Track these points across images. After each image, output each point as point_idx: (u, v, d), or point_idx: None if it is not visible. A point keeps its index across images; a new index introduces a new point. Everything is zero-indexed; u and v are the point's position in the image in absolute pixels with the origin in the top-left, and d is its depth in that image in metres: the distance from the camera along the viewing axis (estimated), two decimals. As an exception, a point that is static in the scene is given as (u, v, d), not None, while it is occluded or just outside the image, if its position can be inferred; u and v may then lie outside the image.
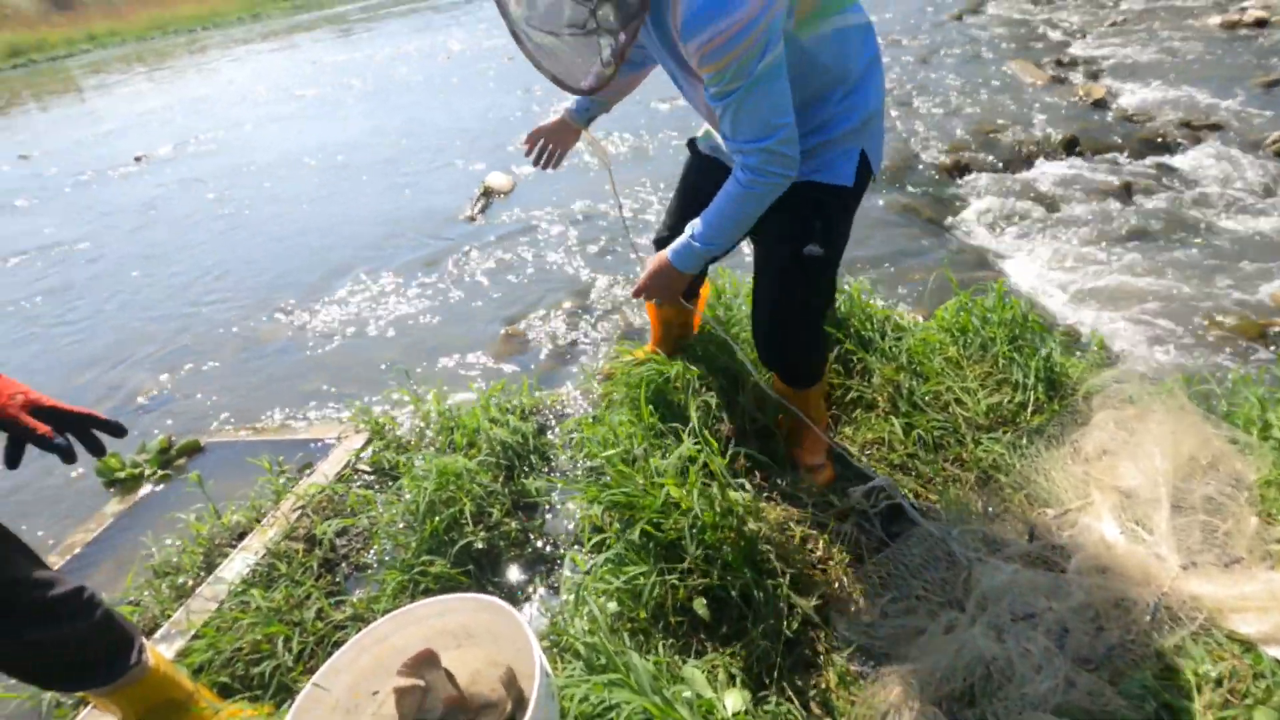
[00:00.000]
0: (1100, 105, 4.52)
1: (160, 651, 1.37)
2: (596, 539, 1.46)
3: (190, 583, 1.84)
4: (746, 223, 1.39)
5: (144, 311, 3.82)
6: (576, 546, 1.75)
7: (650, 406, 1.81)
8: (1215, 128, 3.97)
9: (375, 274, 3.74)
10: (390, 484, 2.11)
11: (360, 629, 1.53)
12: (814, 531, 1.62)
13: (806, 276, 1.54)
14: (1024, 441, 1.78)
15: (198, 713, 1.34)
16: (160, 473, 2.39)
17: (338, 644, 1.54)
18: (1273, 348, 2.34)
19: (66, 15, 31.37)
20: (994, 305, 2.11)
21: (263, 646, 1.54)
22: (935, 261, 3.02)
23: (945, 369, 2.02)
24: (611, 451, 1.62)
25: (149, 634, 1.67)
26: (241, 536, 1.97)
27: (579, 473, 2.02)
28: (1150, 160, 3.78)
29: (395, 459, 2.15)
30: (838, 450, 1.75)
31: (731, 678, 1.27)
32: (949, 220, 3.43)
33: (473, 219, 4.29)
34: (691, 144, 1.83)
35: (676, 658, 1.33)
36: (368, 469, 2.20)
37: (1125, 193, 3.45)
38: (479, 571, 1.71)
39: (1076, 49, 5.80)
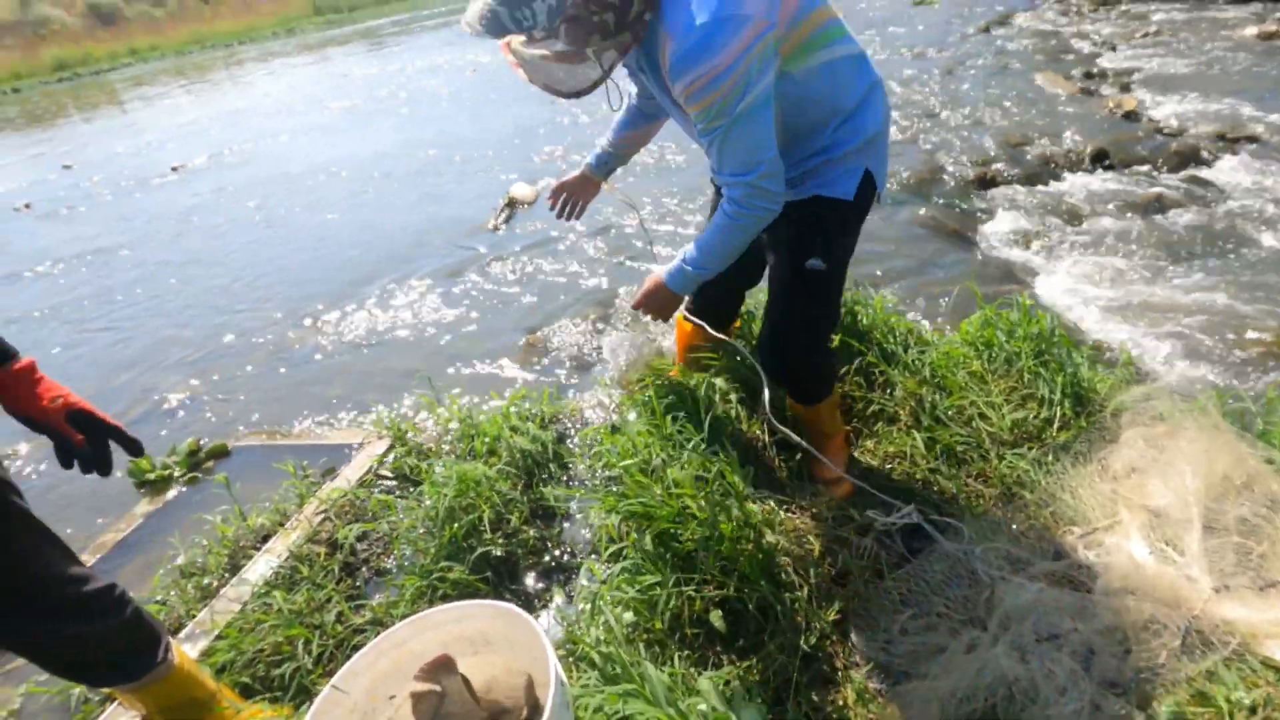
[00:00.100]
0: (1131, 117, 4.45)
1: (185, 650, 1.40)
2: (614, 549, 1.46)
3: (215, 583, 1.87)
4: (735, 251, 1.46)
5: (178, 317, 3.92)
6: (593, 556, 1.75)
7: (669, 417, 1.81)
8: (1251, 140, 3.89)
9: (400, 282, 3.80)
10: (411, 489, 2.13)
11: (379, 633, 1.55)
12: (833, 545, 1.60)
13: (808, 289, 1.57)
14: (1050, 458, 1.75)
15: (219, 712, 1.36)
16: (189, 475, 2.44)
17: (357, 647, 1.56)
18: (1311, 366, 2.27)
19: (110, 30, 32.47)
20: (1020, 319, 2.08)
21: (283, 648, 1.56)
22: (960, 275, 2.98)
23: (969, 383, 1.99)
24: (630, 461, 1.62)
25: (174, 633, 1.70)
26: (266, 539, 2.00)
27: (597, 482, 2.03)
28: (1183, 173, 3.71)
29: (417, 465, 2.17)
30: (856, 483, 1.73)
31: (747, 692, 1.26)
32: (974, 233, 3.39)
33: (496, 229, 4.34)
34: (713, 180, 1.86)
35: (692, 670, 1.32)
36: (389, 474, 2.22)
37: (1157, 206, 3.39)
38: (497, 579, 1.72)
39: (1107, 61, 5.73)
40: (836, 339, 2.15)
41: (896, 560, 1.60)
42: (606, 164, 1.90)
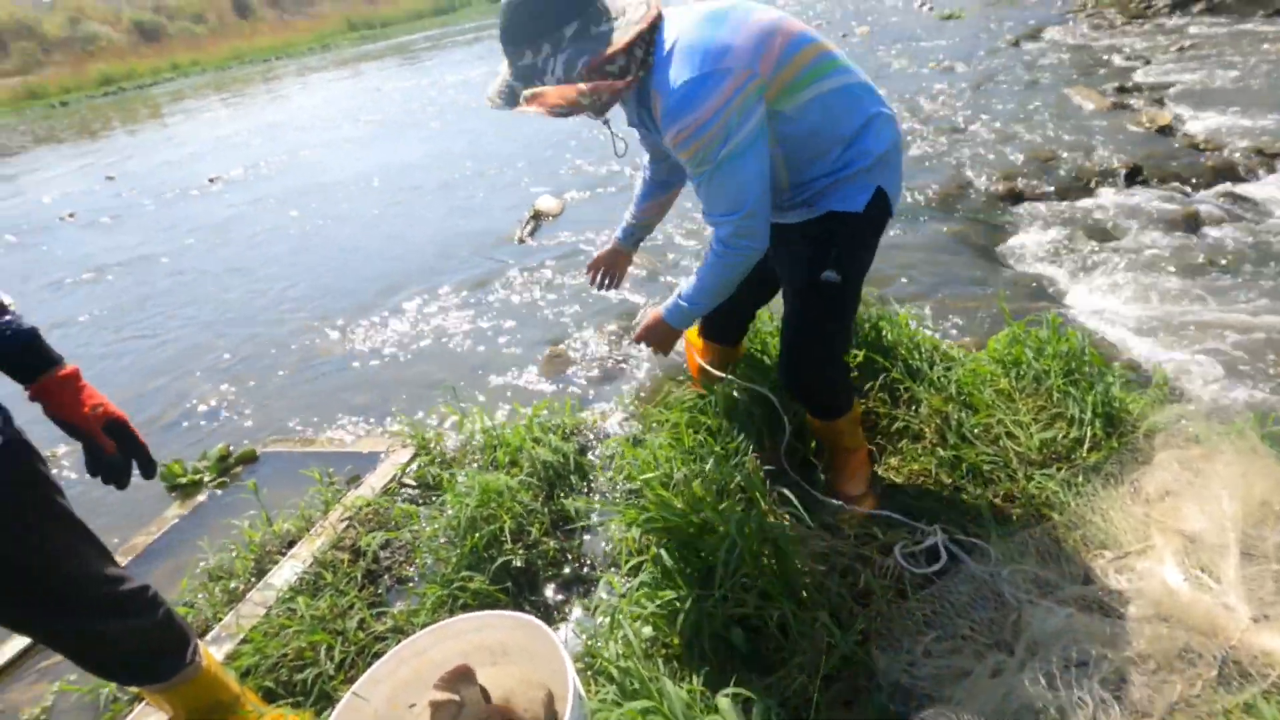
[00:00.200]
0: (1166, 132, 4.38)
1: (211, 653, 1.42)
2: (633, 562, 1.46)
3: (241, 587, 1.91)
4: (726, 288, 1.54)
5: (214, 324, 4.02)
6: (613, 569, 1.75)
7: (690, 431, 1.81)
8: (1292, 156, 3.79)
9: (427, 293, 3.85)
10: (434, 498, 2.15)
11: (400, 641, 1.56)
12: (855, 563, 1.58)
13: (823, 302, 1.59)
14: (1080, 479, 1.71)
15: (243, 715, 1.38)
16: (219, 480, 2.49)
17: (378, 655, 1.57)
18: (1356, 388, 2.20)
19: (154, 46, 33.59)
20: (1049, 337, 2.05)
21: (306, 654, 1.58)
22: (987, 291, 2.95)
23: (996, 401, 1.96)
24: (651, 475, 1.62)
25: (201, 635, 1.73)
26: (291, 544, 2.04)
27: (618, 494, 2.03)
28: (1219, 189, 3.63)
29: (440, 474, 2.19)
30: (873, 514, 1.73)
31: (767, 711, 1.25)
32: (1002, 248, 3.35)
33: (522, 241, 4.38)
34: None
35: (711, 687, 1.31)
36: (413, 483, 2.25)
37: (1192, 222, 3.32)
38: (516, 589, 1.73)
39: (1140, 75, 5.64)
40: (860, 354, 2.14)
41: (921, 580, 1.58)
42: (633, 235, 1.99)
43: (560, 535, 1.90)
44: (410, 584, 1.86)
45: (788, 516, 1.54)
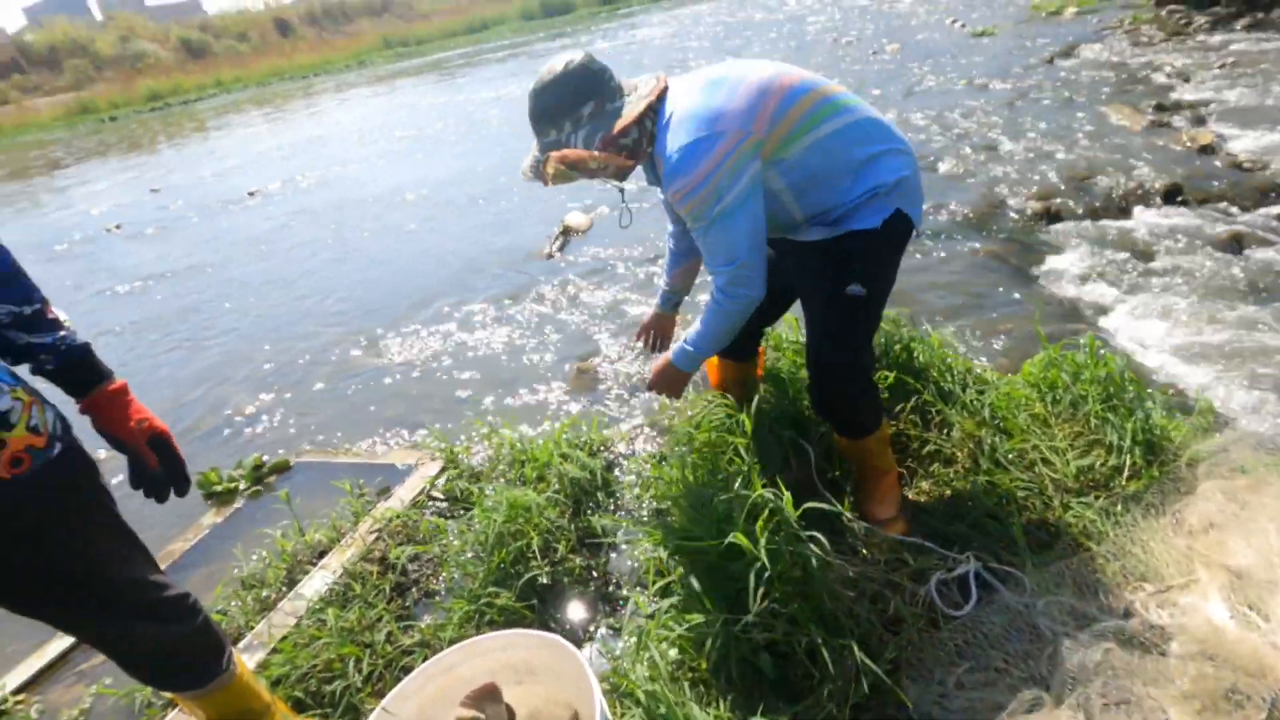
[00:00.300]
0: (1207, 152, 4.28)
1: (243, 661, 1.45)
2: (661, 584, 1.45)
3: (273, 596, 1.94)
4: (727, 334, 1.63)
5: (251, 335, 4.12)
6: (639, 588, 1.75)
7: (717, 450, 1.80)
8: (1341, 176, 3.68)
9: (458, 306, 3.91)
10: (462, 512, 2.17)
11: (427, 656, 1.57)
12: (885, 590, 1.56)
13: (848, 315, 1.62)
14: (1119, 509, 1.67)
15: (273, 725, 1.40)
16: (253, 488, 2.54)
17: (405, 669, 1.59)
18: None
19: (199, 63, 34.78)
20: (1086, 361, 2.00)
21: (335, 665, 1.60)
22: (1022, 312, 2.90)
23: (1031, 426, 1.93)
24: (678, 494, 1.62)
25: (234, 643, 1.76)
26: (322, 555, 2.07)
27: (644, 512, 2.03)
28: (1264, 210, 3.53)
29: (468, 488, 2.21)
30: (903, 539, 1.71)
31: (794, 739, 1.23)
32: (1037, 269, 3.30)
33: (551, 256, 4.43)
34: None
35: (738, 713, 1.30)
36: (441, 496, 2.27)
37: (1235, 244, 3.23)
38: (542, 606, 1.73)
39: (1180, 93, 5.53)
40: (891, 376, 2.12)
41: (953, 608, 1.54)
42: (670, 299, 2.08)
43: (586, 552, 1.90)
44: (437, 598, 1.87)
45: (817, 540, 1.51)
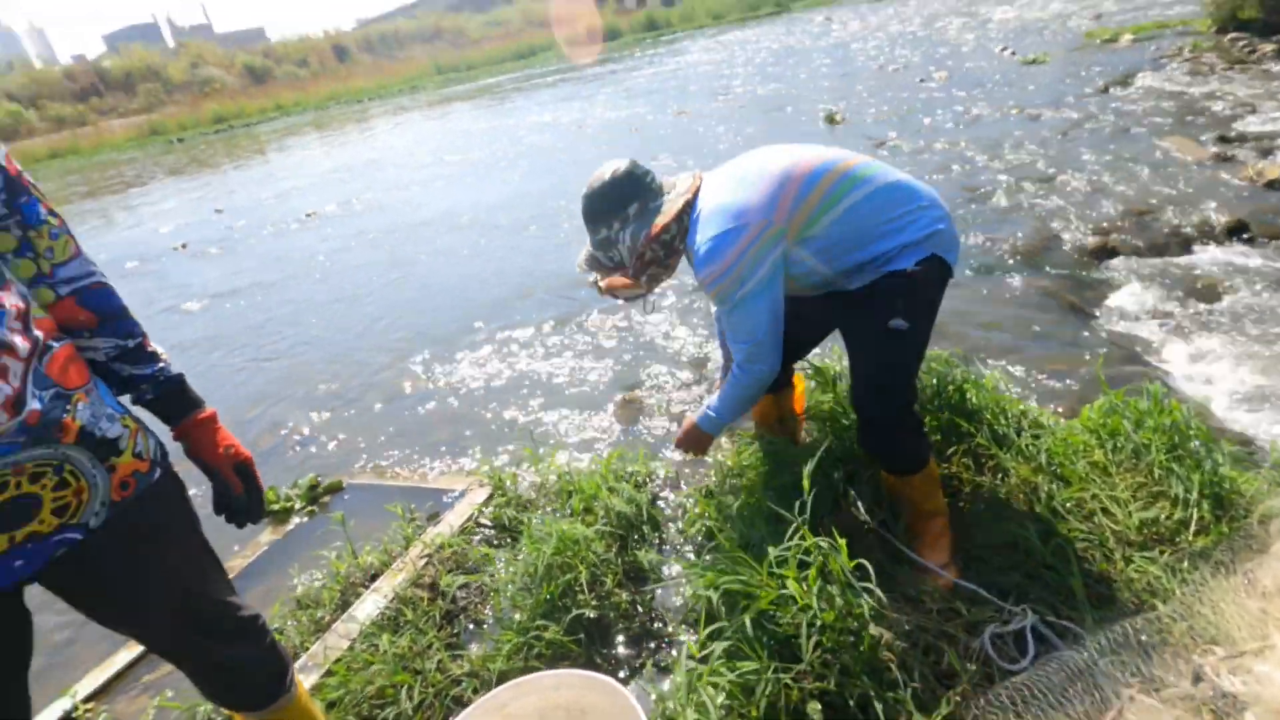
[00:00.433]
0: (1274, 186, 4.13)
1: (301, 682, 1.49)
2: (711, 628, 1.45)
3: (327, 618, 1.99)
4: (746, 404, 1.79)
5: (307, 355, 4.27)
6: (684, 625, 1.74)
7: (766, 490, 1.80)
8: None
9: (507, 331, 3.99)
10: (509, 540, 2.21)
11: (476, 687, 1.60)
12: (939, 641, 1.53)
13: (892, 349, 1.67)
14: (1185, 565, 1.61)
15: (329, 749, 1.43)
16: (308, 507, 2.63)
17: (454, 699, 1.62)
18: None
19: (261, 87, 36.45)
20: (1150, 408, 1.95)
21: (388, 692, 1.63)
22: (1078, 352, 2.83)
23: (1090, 475, 1.88)
24: (726, 535, 1.62)
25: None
26: (374, 577, 2.12)
27: (689, 548, 2.03)
28: (1339, 249, 3.39)
29: (515, 516, 2.25)
30: (957, 583, 1.68)
31: (845, 794, 1.22)
32: (1094, 307, 3.22)
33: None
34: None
35: (787, 763, 1.29)
36: (489, 523, 2.31)
37: (1308, 285, 3.11)
38: (589, 641, 1.74)
39: (1245, 125, 5.36)
40: (944, 417, 2.09)
41: (1009, 661, 1.51)
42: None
43: (632, 587, 1.91)
44: (485, 626, 1.90)
45: (869, 586, 1.50)
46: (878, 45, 14.01)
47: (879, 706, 1.32)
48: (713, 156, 7.27)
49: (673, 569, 1.97)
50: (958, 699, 1.43)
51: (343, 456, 3.05)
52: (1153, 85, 6.90)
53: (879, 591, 1.41)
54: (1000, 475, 1.97)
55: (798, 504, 1.50)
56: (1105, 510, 1.79)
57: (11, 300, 0.89)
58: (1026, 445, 2.00)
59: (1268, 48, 7.35)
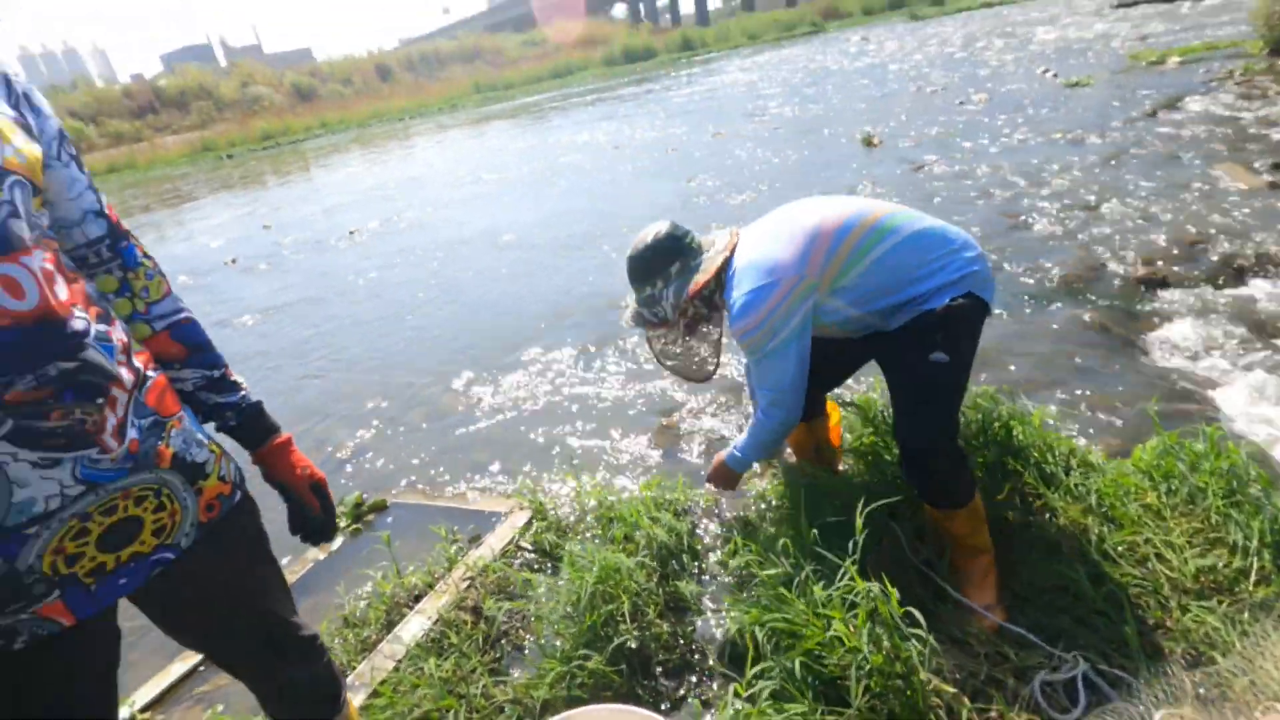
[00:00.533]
0: (1335, 216, 4.01)
1: (351, 701, 1.53)
2: (757, 668, 1.46)
3: (373, 637, 2.03)
4: (769, 448, 1.90)
5: (350, 372, 4.38)
6: (728, 663, 1.74)
7: (810, 524, 1.80)
8: None
9: (545, 352, 4.04)
10: (549, 565, 2.24)
11: (519, 713, 1.62)
12: (988, 687, 1.51)
13: (933, 381, 1.69)
14: (1245, 617, 1.57)
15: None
16: (353, 525, 2.69)
17: (498, 725, 1.64)
18: None
19: (307, 105, 37.64)
20: (1206, 451, 1.90)
21: (433, 716, 1.66)
22: (1127, 387, 2.77)
23: (1143, 518, 1.84)
24: (771, 572, 1.63)
25: (338, 682, 1.86)
26: (418, 598, 2.16)
27: (729, 580, 2.04)
28: (1405, 284, 3.27)
29: (556, 542, 2.28)
30: (1012, 631, 1.66)
31: (893, 843, 1.21)
32: (1143, 340, 3.15)
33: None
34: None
35: (833, 808, 1.28)
36: (529, 547, 2.34)
37: (1372, 321, 3.00)
38: (630, 672, 1.75)
39: (1302, 150, 5.22)
40: (989, 455, 2.07)
41: (1059, 710, 1.48)
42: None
43: (673, 617, 1.91)
44: (526, 652, 1.93)
45: (916, 628, 1.49)
46: (915, 66, 13.96)
47: (927, 754, 1.31)
48: (750, 179, 7.30)
49: (712, 600, 1.98)
50: (1007, 748, 1.41)
51: (385, 474, 3.11)
52: (1203, 109, 6.76)
53: (930, 639, 1.40)
54: (1048, 515, 1.94)
55: (850, 544, 1.50)
56: (1159, 556, 1.75)
57: (118, 335, 0.96)
58: (1075, 485, 1.97)
59: (1325, 71, 7.15)
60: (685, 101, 15.66)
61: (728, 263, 1.79)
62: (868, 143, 7.78)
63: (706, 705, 1.66)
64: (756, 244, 1.74)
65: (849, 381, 2.36)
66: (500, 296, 5.26)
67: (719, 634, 1.87)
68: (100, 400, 0.88)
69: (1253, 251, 3.72)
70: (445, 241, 7.22)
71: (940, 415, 1.72)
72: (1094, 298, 3.57)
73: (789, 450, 2.38)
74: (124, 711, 1.97)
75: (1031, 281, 3.84)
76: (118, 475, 0.90)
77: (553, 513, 2.46)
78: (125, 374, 0.94)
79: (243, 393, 1.20)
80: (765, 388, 1.77)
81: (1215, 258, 3.75)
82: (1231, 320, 3.17)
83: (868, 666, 1.33)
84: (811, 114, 10.72)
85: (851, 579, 1.45)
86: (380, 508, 2.78)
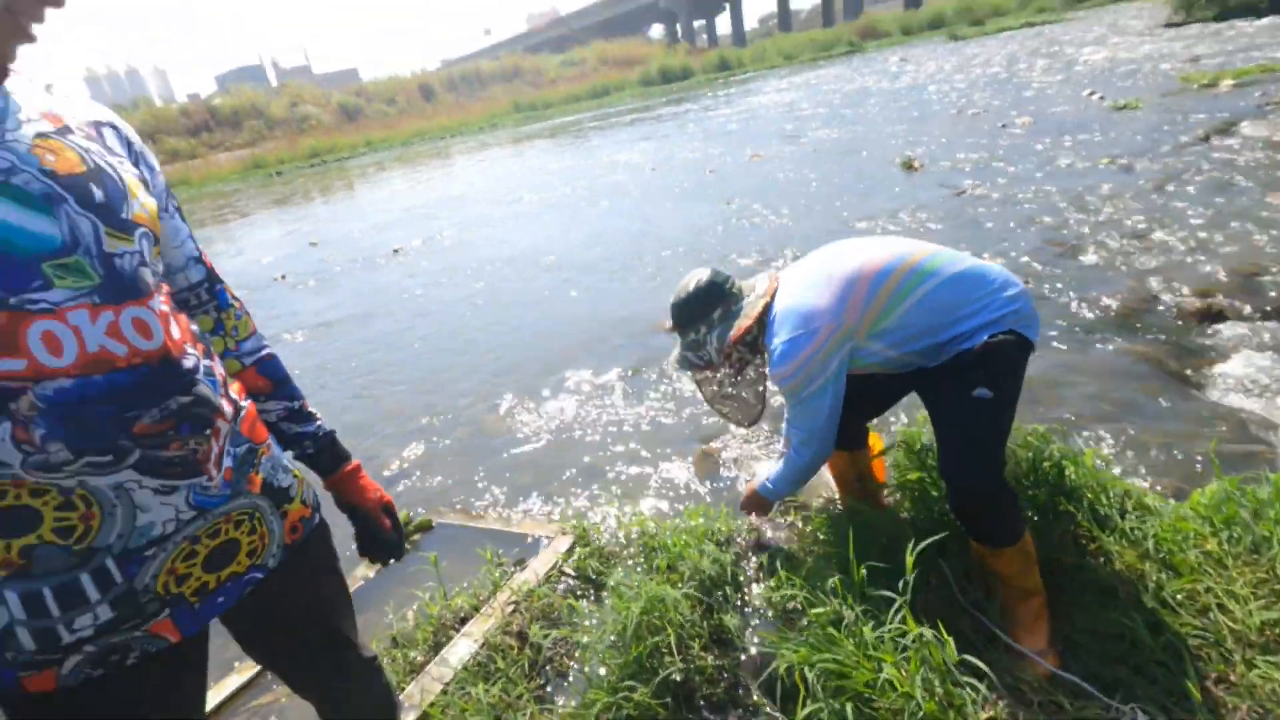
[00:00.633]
0: (1404, 249, 3.87)
1: (406, 729, 1.57)
2: (808, 710, 1.46)
3: (421, 659, 2.08)
4: (799, 480, 1.95)
5: (397, 390, 4.49)
6: (773, 701, 1.74)
7: (859, 565, 1.80)
8: None
9: (587, 375, 4.09)
10: (592, 591, 2.26)
11: (567, 744, 1.64)
12: (1041, 738, 1.48)
13: (977, 418, 1.68)
14: (1315, 675, 1.52)
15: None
16: (400, 545, 2.75)
17: (546, 754, 1.66)
18: None
19: (353, 124, 38.85)
20: (1270, 498, 1.85)
21: (482, 741, 1.69)
22: (1183, 426, 2.70)
23: (1203, 565, 1.79)
24: (820, 610, 1.63)
25: (388, 703, 1.90)
26: (464, 621, 2.20)
27: (772, 614, 2.03)
28: None
29: (599, 569, 2.30)
30: (1066, 680, 1.63)
31: None
32: (1198, 375, 3.07)
33: (671, 330, 4.56)
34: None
35: None
36: (572, 573, 2.37)
37: None
38: (675, 705, 1.76)
39: (1367, 179, 5.04)
40: (1041, 494, 2.04)
41: (1116, 765, 1.45)
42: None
43: (718, 650, 1.92)
44: (570, 679, 1.95)
45: (967, 673, 1.48)
46: (956, 87, 13.85)
47: (980, 805, 1.30)
48: (789, 202, 7.31)
49: (756, 634, 1.98)
50: (1063, 802, 1.38)
51: (430, 494, 3.18)
52: (1258, 134, 6.58)
53: (983, 689, 1.39)
54: (1103, 559, 1.90)
55: (900, 583, 1.49)
56: (1221, 606, 1.71)
57: (219, 370, 1.03)
58: (1131, 529, 1.93)
59: (1390, 95, 6.91)
60: (723, 122, 15.76)
61: (768, 307, 1.85)
62: (908, 166, 7.74)
63: (753, 743, 1.66)
64: (795, 290, 1.79)
65: (891, 415, 2.36)
66: (542, 317, 5.35)
67: (764, 669, 1.87)
68: (208, 431, 0.95)
69: (1315, 285, 3.61)
70: (488, 260, 7.37)
71: (985, 452, 1.71)
72: (1147, 331, 3.50)
73: (831, 481, 2.37)
74: (184, 722, 2.04)
75: (1081, 313, 3.77)
76: (221, 501, 0.97)
77: (595, 539, 2.49)
78: (226, 406, 1.00)
79: (319, 423, 1.26)
80: (797, 427, 1.82)
81: (1274, 291, 3.64)
82: (1293, 357, 3.07)
83: (920, 713, 1.33)
84: (850, 135, 10.70)
85: (903, 619, 1.44)
86: (426, 527, 2.84)
